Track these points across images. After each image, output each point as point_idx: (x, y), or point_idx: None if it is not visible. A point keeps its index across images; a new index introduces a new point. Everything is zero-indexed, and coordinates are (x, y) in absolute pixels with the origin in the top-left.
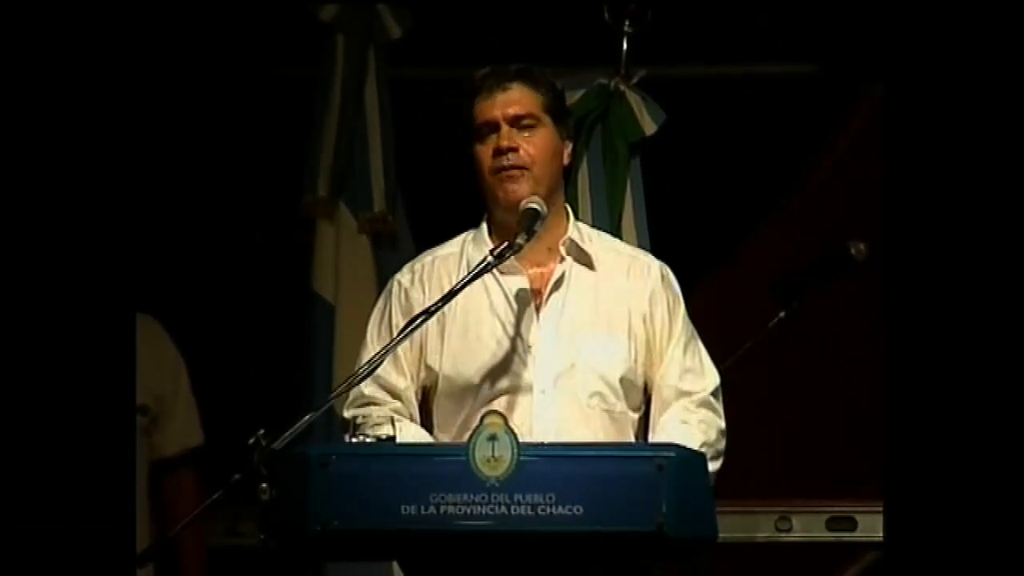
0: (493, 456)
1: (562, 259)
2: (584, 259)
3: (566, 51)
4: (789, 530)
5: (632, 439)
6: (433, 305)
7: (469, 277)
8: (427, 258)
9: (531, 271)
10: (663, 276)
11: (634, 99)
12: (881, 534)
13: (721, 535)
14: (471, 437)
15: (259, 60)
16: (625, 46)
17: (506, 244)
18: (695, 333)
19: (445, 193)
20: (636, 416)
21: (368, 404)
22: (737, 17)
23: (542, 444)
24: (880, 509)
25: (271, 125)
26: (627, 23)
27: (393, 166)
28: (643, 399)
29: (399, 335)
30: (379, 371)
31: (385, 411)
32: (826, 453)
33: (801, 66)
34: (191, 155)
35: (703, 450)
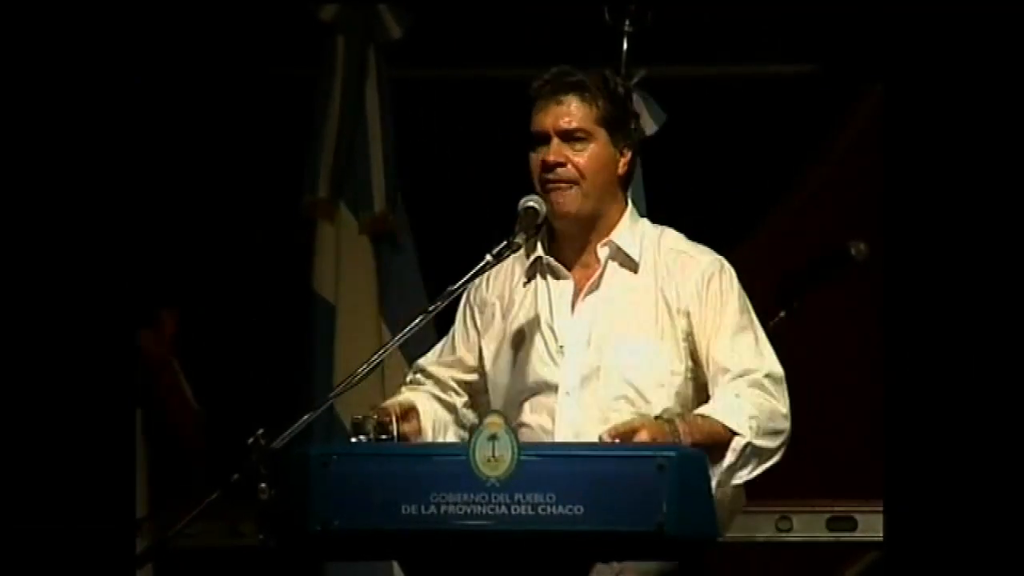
0: (493, 456)
1: (604, 262)
2: (627, 262)
3: (566, 51)
4: (789, 530)
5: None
6: (432, 305)
7: (468, 277)
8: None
9: (578, 273)
10: (711, 273)
11: (635, 99)
12: (881, 534)
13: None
14: (471, 437)
15: (259, 60)
16: (625, 46)
17: (505, 243)
18: (752, 325)
19: (446, 193)
20: None
21: (417, 373)
22: (737, 17)
23: (542, 444)
24: (880, 509)
25: (271, 125)
26: (627, 23)
27: (393, 166)
28: (699, 400)
29: (400, 334)
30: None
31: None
32: (826, 453)
33: (801, 66)
34: (191, 155)
35: (751, 423)
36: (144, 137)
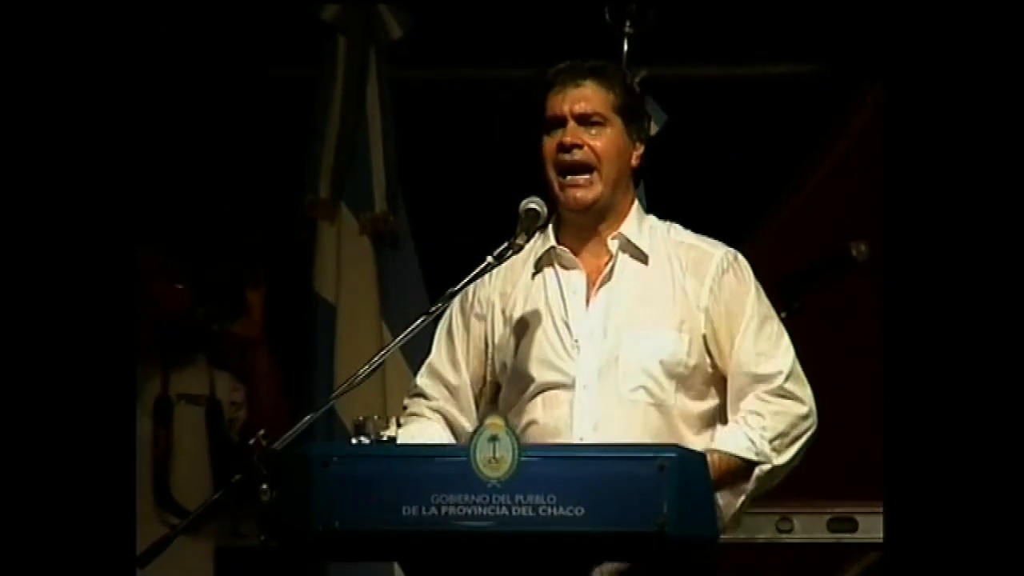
0: (494, 457)
1: (615, 254)
2: (637, 253)
3: (566, 51)
4: (790, 531)
5: (685, 433)
6: (434, 306)
7: (469, 278)
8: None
9: (588, 265)
10: (726, 264)
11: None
12: (881, 535)
13: (722, 536)
14: (472, 438)
15: (259, 60)
16: (626, 46)
17: (506, 245)
18: (770, 317)
19: (446, 193)
20: (704, 408)
21: (416, 396)
22: (737, 17)
23: (543, 445)
24: (880, 510)
25: (271, 125)
26: (628, 23)
27: (394, 166)
28: (714, 391)
29: (401, 336)
30: (435, 365)
31: (421, 407)
32: (827, 454)
33: (801, 66)
34: (192, 155)
35: (776, 443)
36: (145, 137)
